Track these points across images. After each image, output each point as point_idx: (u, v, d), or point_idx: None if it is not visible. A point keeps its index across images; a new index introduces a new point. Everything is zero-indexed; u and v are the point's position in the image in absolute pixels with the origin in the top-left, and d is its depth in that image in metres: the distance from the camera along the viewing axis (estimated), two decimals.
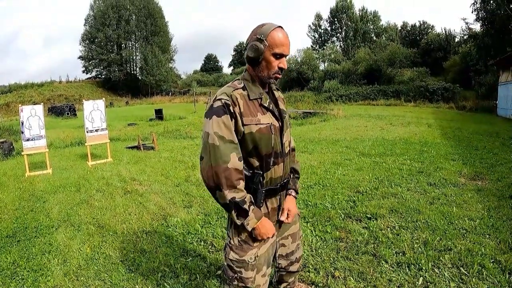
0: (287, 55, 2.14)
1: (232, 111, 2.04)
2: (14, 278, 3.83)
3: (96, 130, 10.53)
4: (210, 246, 4.25)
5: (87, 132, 10.43)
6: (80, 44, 68.22)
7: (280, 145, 2.22)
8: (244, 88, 2.15)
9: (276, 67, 2.11)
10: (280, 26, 2.10)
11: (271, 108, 2.19)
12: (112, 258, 4.09)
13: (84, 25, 67.93)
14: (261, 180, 2.14)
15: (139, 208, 5.82)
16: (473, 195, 5.70)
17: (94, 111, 10.53)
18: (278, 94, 2.38)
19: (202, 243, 4.35)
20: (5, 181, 8.41)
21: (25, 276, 3.85)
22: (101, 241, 4.60)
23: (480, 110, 26.57)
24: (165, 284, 3.46)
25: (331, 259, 3.74)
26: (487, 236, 4.18)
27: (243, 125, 2.06)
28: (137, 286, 3.47)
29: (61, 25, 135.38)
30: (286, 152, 2.30)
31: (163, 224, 5.05)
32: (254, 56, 2.10)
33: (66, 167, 9.75)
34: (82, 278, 3.71)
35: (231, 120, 2.02)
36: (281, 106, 2.32)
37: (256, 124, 2.09)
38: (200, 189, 6.60)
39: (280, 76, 2.15)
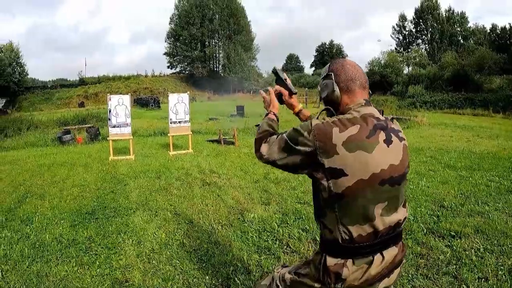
0: None
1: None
2: (88, 253, 3.95)
3: (179, 122, 10.75)
4: (285, 247, 4.09)
5: (170, 123, 10.70)
6: (165, 41, 71.56)
7: None
8: None
9: None
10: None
11: None
12: (185, 246, 4.06)
13: (170, 23, 71.02)
14: None
15: (217, 200, 5.79)
16: None
17: (179, 104, 10.77)
18: None
19: (277, 242, 4.20)
20: (90, 163, 8.84)
21: (99, 252, 3.94)
22: (176, 228, 4.61)
23: None
24: (236, 278, 3.36)
25: (410, 275, 3.47)
26: None
27: None
28: (207, 277, 3.41)
29: (147, 23, 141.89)
30: None
31: (239, 218, 4.98)
32: None
33: (148, 155, 10.06)
34: (153, 261, 3.72)
35: None
36: None
37: None
38: (279, 187, 6.48)
39: None
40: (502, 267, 3.63)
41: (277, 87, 2.16)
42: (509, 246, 4.14)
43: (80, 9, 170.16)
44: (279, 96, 2.17)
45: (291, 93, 2.16)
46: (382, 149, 1.59)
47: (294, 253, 3.90)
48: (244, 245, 4.09)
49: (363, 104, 1.71)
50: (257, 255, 3.83)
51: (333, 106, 1.80)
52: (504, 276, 3.45)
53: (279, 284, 1.94)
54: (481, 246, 4.13)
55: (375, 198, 1.59)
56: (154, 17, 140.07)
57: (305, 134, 1.61)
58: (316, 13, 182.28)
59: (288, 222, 4.77)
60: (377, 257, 1.63)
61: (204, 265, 3.63)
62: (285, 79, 2.17)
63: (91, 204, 5.60)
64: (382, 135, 1.61)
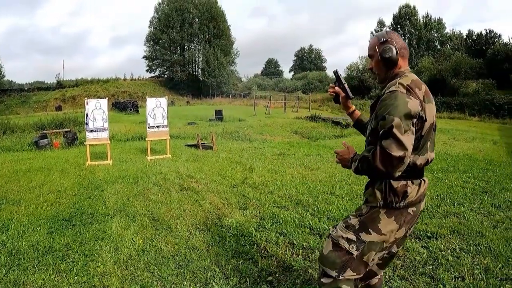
0: (369, 56, 2.39)
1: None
2: (65, 260, 3.92)
3: (157, 127, 10.77)
4: (263, 251, 4.13)
5: (148, 127, 10.71)
6: (144, 45, 71.31)
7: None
8: None
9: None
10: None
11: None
12: (163, 252, 4.07)
13: (149, 26, 70.94)
14: None
15: (194, 205, 5.80)
16: None
17: (157, 108, 10.80)
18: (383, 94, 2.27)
19: (255, 246, 4.24)
20: (67, 168, 8.77)
21: (76, 259, 3.92)
22: (154, 234, 4.61)
23: None
24: (214, 284, 3.39)
25: (387, 277, 3.53)
26: None
27: None
28: (185, 283, 3.43)
29: (127, 26, 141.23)
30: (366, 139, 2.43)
31: (217, 223, 5.00)
32: None
33: (126, 160, 10.03)
34: (131, 268, 3.72)
35: None
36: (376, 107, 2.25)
37: None
38: (257, 192, 6.54)
39: (373, 76, 2.47)
40: (478, 266, 3.74)
41: (337, 89, 2.65)
42: (485, 245, 4.26)
43: (61, 11, 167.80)
44: (337, 96, 2.68)
45: (348, 97, 2.63)
46: (432, 104, 2.19)
47: (272, 257, 3.93)
48: (222, 250, 4.12)
49: (410, 70, 2.27)
50: (234, 260, 3.86)
51: (388, 67, 2.25)
52: (480, 275, 3.55)
53: (347, 234, 2.31)
54: (457, 246, 4.25)
55: (430, 138, 2.22)
56: (135, 20, 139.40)
57: (411, 101, 2.03)
58: (297, 18, 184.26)
59: (266, 226, 4.81)
60: (422, 181, 2.26)
61: (182, 271, 3.64)
62: (345, 83, 2.61)
63: (68, 210, 5.55)
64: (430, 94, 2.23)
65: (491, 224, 5.01)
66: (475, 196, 6.37)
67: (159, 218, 5.18)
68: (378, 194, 2.20)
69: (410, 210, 2.24)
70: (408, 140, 1.96)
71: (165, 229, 4.75)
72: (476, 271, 3.63)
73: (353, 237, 2.25)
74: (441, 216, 5.26)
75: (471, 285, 3.36)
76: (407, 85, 2.09)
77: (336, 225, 2.46)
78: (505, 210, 5.65)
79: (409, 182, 2.18)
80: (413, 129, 2.01)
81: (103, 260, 3.87)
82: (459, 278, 3.52)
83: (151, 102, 10.82)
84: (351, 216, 2.37)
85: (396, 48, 2.19)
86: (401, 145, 1.92)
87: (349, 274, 2.25)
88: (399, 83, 2.09)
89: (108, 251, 4.10)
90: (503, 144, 14.65)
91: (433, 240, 4.39)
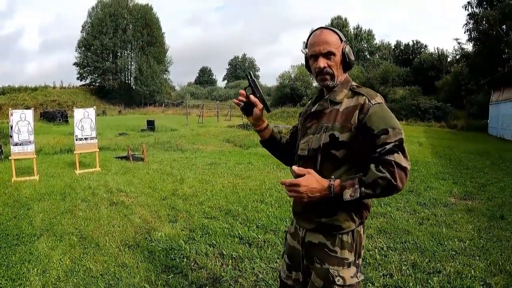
0: (321, 54, 1.93)
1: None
2: None
3: (86, 139, 10.37)
4: (193, 263, 4.14)
5: (76, 140, 10.29)
6: (76, 51, 68.45)
7: (297, 146, 2.10)
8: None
9: (314, 70, 1.99)
10: (318, 28, 2.01)
11: (303, 112, 2.20)
12: (92, 272, 3.97)
13: (81, 31, 68.06)
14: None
15: (124, 220, 5.69)
16: (463, 215, 5.69)
17: (85, 119, 10.39)
18: (342, 99, 1.96)
19: (185, 259, 4.24)
20: None
21: (2, 285, 3.74)
22: (83, 253, 4.48)
23: (471, 129, 27.20)
24: None
25: None
26: (477, 258, 4.14)
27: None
28: None
29: (60, 30, 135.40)
30: (304, 156, 2.02)
31: (146, 238, 4.94)
32: (305, 65, 2.14)
33: (54, 175, 9.59)
34: None
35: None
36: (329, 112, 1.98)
37: (299, 124, 2.23)
38: (187, 203, 6.53)
39: (324, 78, 1.96)
40: (405, 263, 3.97)
41: (253, 98, 2.09)
42: (411, 242, 4.53)
43: None
44: (247, 106, 2.12)
45: (267, 110, 2.16)
46: None
47: (202, 269, 3.96)
48: (151, 265, 4.08)
49: None
50: (165, 275, 3.84)
51: (345, 70, 2.01)
52: (408, 271, 3.76)
53: (350, 272, 1.92)
54: (385, 245, 4.47)
55: None
56: (68, 23, 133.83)
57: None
58: (232, 27, 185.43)
59: (195, 238, 4.84)
60: None
61: None
62: (261, 94, 2.12)
63: None
64: None
65: (417, 222, 5.35)
66: (401, 195, 6.74)
67: (87, 236, 5.02)
68: (354, 214, 1.93)
69: None
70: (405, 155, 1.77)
71: (93, 247, 4.62)
72: (403, 267, 3.85)
73: (355, 270, 1.95)
74: (368, 217, 5.51)
75: (399, 281, 3.54)
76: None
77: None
78: (430, 207, 6.07)
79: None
80: None
81: (31, 283, 3.71)
82: (388, 276, 3.70)
83: (78, 113, 10.40)
84: (339, 256, 1.93)
85: None
86: (406, 156, 1.74)
87: None
88: (377, 95, 1.90)
89: (36, 273, 3.93)
90: (428, 145, 15.57)
91: None
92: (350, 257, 1.93)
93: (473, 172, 9.37)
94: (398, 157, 1.70)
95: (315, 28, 2.12)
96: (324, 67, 1.93)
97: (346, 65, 1.98)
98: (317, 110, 2.01)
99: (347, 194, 1.73)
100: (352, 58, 1.99)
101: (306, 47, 2.04)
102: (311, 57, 1.99)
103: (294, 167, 1.84)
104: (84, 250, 4.56)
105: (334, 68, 1.94)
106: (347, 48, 1.95)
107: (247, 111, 2.14)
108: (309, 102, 2.20)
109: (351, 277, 1.91)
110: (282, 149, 2.33)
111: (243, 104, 2.12)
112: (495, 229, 5.09)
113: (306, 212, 2.01)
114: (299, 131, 2.17)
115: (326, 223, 1.93)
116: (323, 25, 2.08)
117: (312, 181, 1.77)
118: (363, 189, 1.71)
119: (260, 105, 2.11)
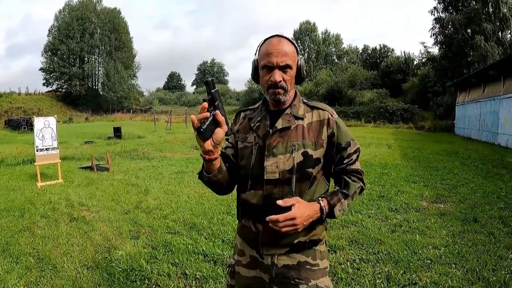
0: (278, 66, 1.71)
1: (232, 128, 1.98)
2: None
3: (47, 149, 9.86)
4: (154, 286, 3.85)
5: (37, 151, 9.76)
6: (42, 56, 67.08)
7: (260, 169, 1.79)
8: (255, 109, 1.98)
9: (266, 82, 1.75)
10: (275, 35, 1.80)
11: (255, 128, 1.87)
12: None
13: (48, 35, 66.88)
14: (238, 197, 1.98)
15: (83, 238, 5.31)
16: (436, 220, 5.60)
17: (45, 129, 9.87)
18: (304, 114, 1.84)
19: (146, 281, 3.94)
20: None
21: None
22: (39, 276, 4.10)
23: (438, 130, 28.11)
24: None
25: None
26: (453, 265, 4.02)
27: (236, 141, 1.95)
28: None
29: (27, 33, 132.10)
30: (273, 179, 1.77)
31: (106, 257, 4.59)
32: (251, 73, 1.89)
33: (14, 188, 9.00)
34: None
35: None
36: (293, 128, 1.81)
37: (242, 142, 1.90)
38: (150, 217, 6.21)
39: (277, 91, 1.74)
40: (379, 275, 3.80)
41: (220, 115, 1.54)
42: (384, 252, 4.37)
43: None
44: (210, 125, 1.53)
45: (230, 132, 1.91)
46: None
47: None
48: None
49: None
50: None
51: (297, 83, 1.85)
52: (382, 284, 3.61)
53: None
54: (357, 257, 4.31)
55: None
56: (35, 27, 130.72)
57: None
58: (201, 32, 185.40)
59: (158, 256, 4.52)
60: None
61: None
62: (223, 109, 1.60)
63: None
64: None
65: (389, 229, 5.20)
66: (372, 202, 6.65)
67: (45, 256, 4.63)
68: (324, 226, 1.87)
69: None
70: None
71: (51, 270, 4.25)
72: (378, 281, 3.68)
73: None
74: (338, 227, 5.34)
75: None
76: None
77: None
78: (402, 213, 5.97)
79: None
80: None
81: None
82: None
83: (39, 122, 9.88)
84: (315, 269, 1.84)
85: None
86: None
87: None
88: (332, 109, 1.89)
89: None
90: (397, 147, 15.73)
91: (332, 254, 4.42)
92: (327, 263, 1.92)
93: (443, 174, 9.40)
94: (358, 164, 1.88)
95: (282, 33, 1.85)
96: (280, 81, 1.73)
97: (299, 79, 1.83)
98: (284, 127, 1.80)
99: (337, 211, 1.75)
100: (305, 72, 1.85)
101: (257, 54, 1.83)
102: (264, 68, 1.76)
103: (279, 201, 1.65)
104: (41, 273, 4.19)
105: (289, 82, 1.77)
106: (302, 61, 1.82)
107: (207, 133, 1.53)
108: (252, 117, 1.92)
109: (331, 282, 1.92)
110: (226, 179, 1.89)
111: (205, 124, 1.51)
112: (470, 233, 5.01)
113: (278, 239, 1.80)
114: (243, 151, 1.89)
115: (306, 241, 1.82)
116: (279, 33, 1.84)
117: (304, 209, 1.66)
118: (347, 201, 1.79)
119: (225, 126, 1.58)
